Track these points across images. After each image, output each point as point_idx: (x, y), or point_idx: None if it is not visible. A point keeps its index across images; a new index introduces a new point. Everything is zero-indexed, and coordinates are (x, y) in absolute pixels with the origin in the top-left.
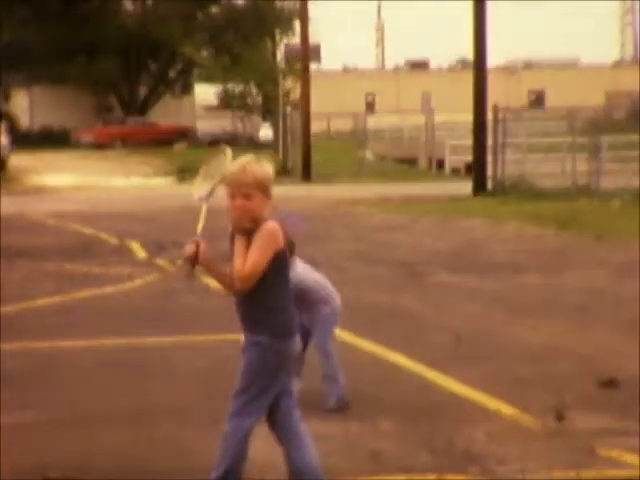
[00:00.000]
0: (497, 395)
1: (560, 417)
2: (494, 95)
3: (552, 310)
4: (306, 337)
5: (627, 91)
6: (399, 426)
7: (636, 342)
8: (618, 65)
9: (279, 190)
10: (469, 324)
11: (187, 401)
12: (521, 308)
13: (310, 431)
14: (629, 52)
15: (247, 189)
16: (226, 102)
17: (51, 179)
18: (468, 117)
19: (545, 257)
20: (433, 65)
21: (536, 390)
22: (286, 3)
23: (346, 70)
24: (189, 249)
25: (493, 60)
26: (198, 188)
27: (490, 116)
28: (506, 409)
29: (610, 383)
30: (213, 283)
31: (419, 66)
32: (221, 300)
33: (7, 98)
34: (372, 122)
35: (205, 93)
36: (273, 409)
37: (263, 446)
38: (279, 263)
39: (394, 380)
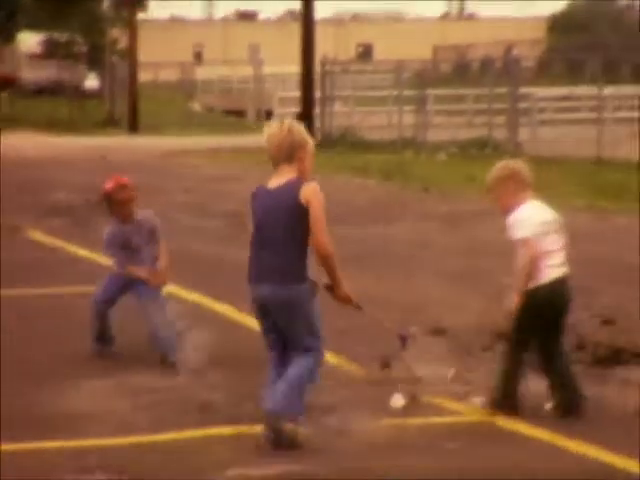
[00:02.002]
0: (325, 345)
1: (385, 366)
2: (322, 47)
3: (380, 261)
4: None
5: (454, 44)
6: (227, 377)
7: (461, 292)
8: (445, 18)
9: (106, 141)
10: None
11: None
12: (349, 259)
13: (138, 385)
14: (455, 6)
15: None
16: (51, 51)
17: None
18: (297, 69)
19: (373, 209)
20: (262, 16)
21: (363, 340)
22: None
23: (174, 20)
24: None
25: (321, 12)
26: None
27: (318, 68)
28: (333, 359)
29: (436, 332)
30: (41, 237)
31: (248, 17)
32: (41, 253)
33: None
34: (200, 73)
35: (29, 41)
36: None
37: None
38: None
39: (221, 331)
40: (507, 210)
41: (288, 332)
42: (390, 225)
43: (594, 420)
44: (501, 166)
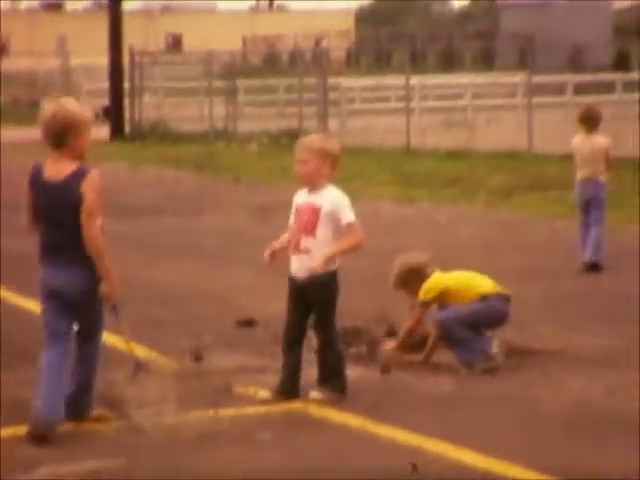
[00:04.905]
0: (135, 339)
1: (197, 358)
2: (131, 38)
3: (191, 253)
4: None
5: (263, 36)
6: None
7: (272, 282)
8: (255, 10)
9: None
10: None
11: None
12: (160, 251)
13: None
14: None
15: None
16: None
17: None
18: (105, 60)
19: (184, 200)
20: (68, 7)
21: (174, 333)
22: None
23: None
24: None
25: (130, 3)
26: None
27: (127, 60)
28: (143, 352)
29: (247, 322)
30: None
31: (53, 8)
32: None
33: None
34: (6, 65)
35: None
36: None
37: None
38: None
39: (31, 327)
40: (315, 184)
41: (82, 321)
42: (201, 216)
43: (403, 405)
44: (330, 139)
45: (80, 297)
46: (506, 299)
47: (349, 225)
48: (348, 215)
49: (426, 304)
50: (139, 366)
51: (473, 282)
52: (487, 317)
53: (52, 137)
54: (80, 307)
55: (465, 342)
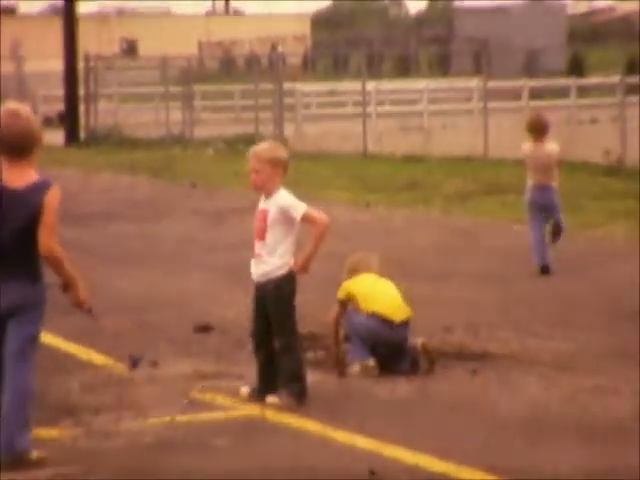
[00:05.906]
0: (91, 346)
1: (154, 364)
2: (86, 43)
3: (147, 259)
4: None
5: (219, 40)
6: None
7: (228, 287)
8: (211, 15)
9: None
10: None
11: None
12: (116, 258)
13: None
14: (221, 2)
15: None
16: None
17: None
18: (60, 65)
19: (140, 206)
20: (23, 11)
21: (131, 339)
22: None
23: None
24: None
25: (84, 7)
26: None
27: (82, 65)
28: (100, 359)
29: (204, 328)
30: None
31: (7, 12)
32: None
33: None
34: None
35: None
36: None
37: None
38: None
39: None
40: (268, 191)
41: (14, 341)
42: (160, 222)
43: (362, 410)
44: (278, 146)
45: (18, 314)
46: (395, 326)
47: (305, 216)
48: (299, 208)
49: (339, 302)
50: (135, 360)
51: (375, 297)
52: (362, 334)
53: (26, 143)
54: (14, 325)
55: (352, 342)
